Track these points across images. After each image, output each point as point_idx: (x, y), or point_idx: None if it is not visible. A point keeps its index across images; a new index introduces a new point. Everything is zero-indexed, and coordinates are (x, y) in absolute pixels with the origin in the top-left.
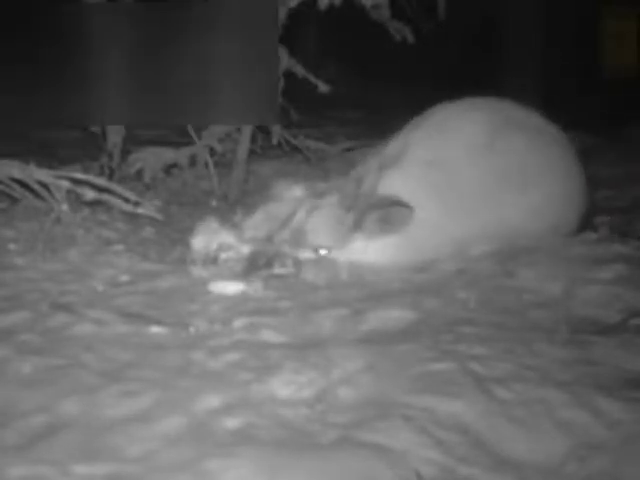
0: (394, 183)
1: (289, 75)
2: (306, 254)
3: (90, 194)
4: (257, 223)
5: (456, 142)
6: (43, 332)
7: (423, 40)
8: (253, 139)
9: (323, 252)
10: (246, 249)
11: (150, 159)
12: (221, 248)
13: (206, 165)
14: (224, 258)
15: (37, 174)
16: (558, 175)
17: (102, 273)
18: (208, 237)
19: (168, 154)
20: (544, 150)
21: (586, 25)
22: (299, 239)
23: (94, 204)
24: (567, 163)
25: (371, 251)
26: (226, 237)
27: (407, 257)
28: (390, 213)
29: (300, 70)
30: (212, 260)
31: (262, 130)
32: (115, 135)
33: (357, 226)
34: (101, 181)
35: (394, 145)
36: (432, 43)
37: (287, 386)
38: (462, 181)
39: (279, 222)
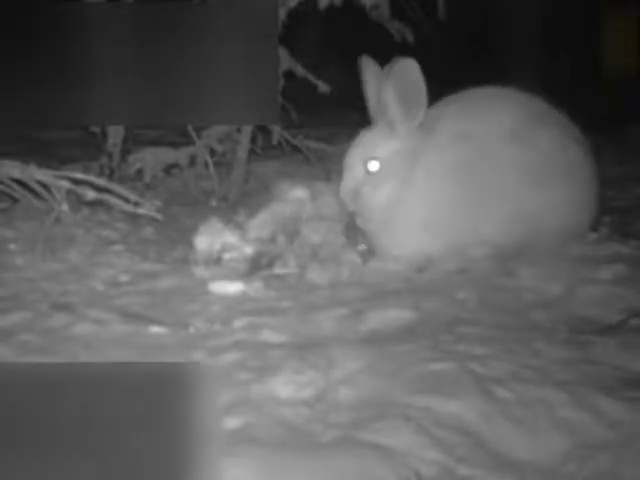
0: (426, 154)
1: (289, 75)
2: (356, 176)
3: (90, 194)
4: (261, 223)
5: (489, 123)
6: (43, 332)
7: (423, 40)
8: (253, 139)
9: (372, 166)
10: (249, 249)
11: (150, 159)
12: (224, 248)
13: (206, 165)
14: (227, 258)
15: (37, 174)
16: (580, 174)
17: (102, 273)
18: (212, 237)
19: (168, 154)
20: (569, 148)
21: (587, 25)
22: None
23: (94, 204)
24: (587, 164)
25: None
26: (230, 237)
27: (435, 236)
28: (402, 75)
29: (300, 70)
30: (215, 260)
31: (262, 130)
32: (115, 135)
33: (386, 119)
34: (101, 181)
35: (424, 121)
36: (432, 43)
37: (287, 386)
38: (489, 163)
39: (283, 222)
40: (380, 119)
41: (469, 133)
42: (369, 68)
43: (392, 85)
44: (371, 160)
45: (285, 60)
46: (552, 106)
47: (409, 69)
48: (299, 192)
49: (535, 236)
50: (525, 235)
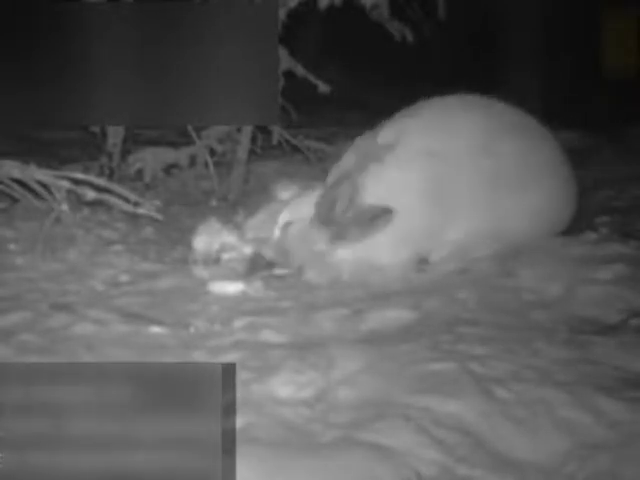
0: (388, 171)
1: (289, 75)
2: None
3: (90, 194)
4: (259, 223)
5: (453, 137)
6: (43, 332)
7: (423, 40)
8: (253, 139)
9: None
10: (248, 249)
11: (150, 159)
12: (223, 248)
13: (206, 165)
14: (226, 258)
15: (37, 174)
16: (550, 177)
17: (102, 273)
18: (210, 237)
19: (168, 154)
20: (537, 152)
21: (587, 25)
22: (283, 258)
23: (94, 204)
24: (559, 165)
25: (357, 258)
26: (228, 237)
27: (400, 256)
28: (374, 223)
29: (300, 70)
30: (214, 260)
31: (262, 130)
32: (115, 135)
33: (338, 237)
34: (101, 181)
35: (387, 132)
36: (432, 43)
37: (287, 386)
38: (457, 177)
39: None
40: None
41: (438, 150)
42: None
43: (361, 228)
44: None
45: (285, 60)
46: (518, 109)
47: (384, 220)
48: (297, 192)
49: (514, 239)
50: (502, 240)
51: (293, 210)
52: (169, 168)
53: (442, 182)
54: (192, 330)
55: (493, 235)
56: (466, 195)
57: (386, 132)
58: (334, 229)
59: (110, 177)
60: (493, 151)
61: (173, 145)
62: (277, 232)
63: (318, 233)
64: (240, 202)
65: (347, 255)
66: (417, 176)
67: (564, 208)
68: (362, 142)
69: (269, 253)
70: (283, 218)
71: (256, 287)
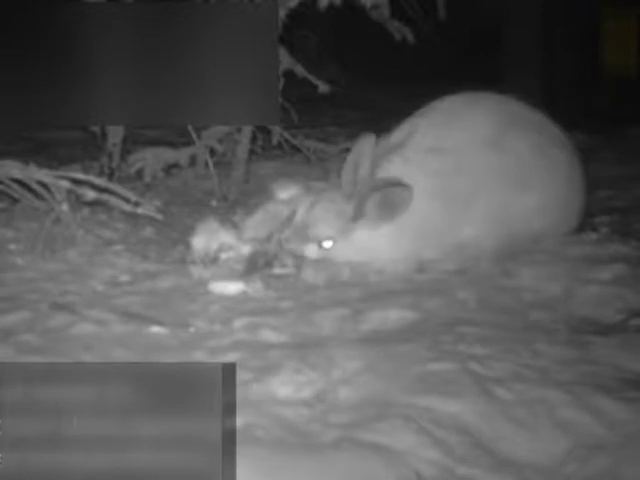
0: (395, 169)
1: (289, 75)
2: (310, 248)
3: (90, 194)
4: (257, 223)
5: (461, 133)
6: (43, 332)
7: (423, 40)
8: (253, 139)
9: (327, 244)
10: (246, 249)
11: (150, 159)
12: (221, 248)
13: (206, 165)
14: (224, 258)
15: (37, 174)
16: (561, 176)
17: (102, 273)
18: (208, 237)
19: (168, 154)
20: (548, 150)
21: (586, 25)
22: (302, 234)
23: (94, 204)
24: (569, 163)
25: (372, 244)
26: (226, 237)
27: (407, 249)
28: (390, 194)
29: (300, 70)
30: (212, 260)
31: (262, 130)
32: (115, 135)
33: (358, 214)
34: (101, 181)
35: (398, 133)
36: (432, 43)
37: (287, 386)
38: (464, 173)
39: (279, 222)
40: (348, 193)
41: (442, 146)
42: (366, 147)
43: (378, 199)
44: (325, 240)
45: (285, 60)
46: (530, 107)
47: (401, 195)
48: (296, 191)
49: (521, 238)
50: (509, 238)
51: (319, 192)
52: (169, 168)
53: (447, 181)
54: (192, 330)
55: (499, 235)
56: (473, 193)
57: (398, 132)
58: (355, 202)
59: (110, 177)
60: (503, 147)
61: (173, 145)
62: (302, 212)
63: (345, 205)
64: (240, 202)
65: (363, 236)
66: (421, 175)
67: (574, 208)
68: (380, 142)
69: (286, 233)
70: (306, 203)
71: (256, 287)
